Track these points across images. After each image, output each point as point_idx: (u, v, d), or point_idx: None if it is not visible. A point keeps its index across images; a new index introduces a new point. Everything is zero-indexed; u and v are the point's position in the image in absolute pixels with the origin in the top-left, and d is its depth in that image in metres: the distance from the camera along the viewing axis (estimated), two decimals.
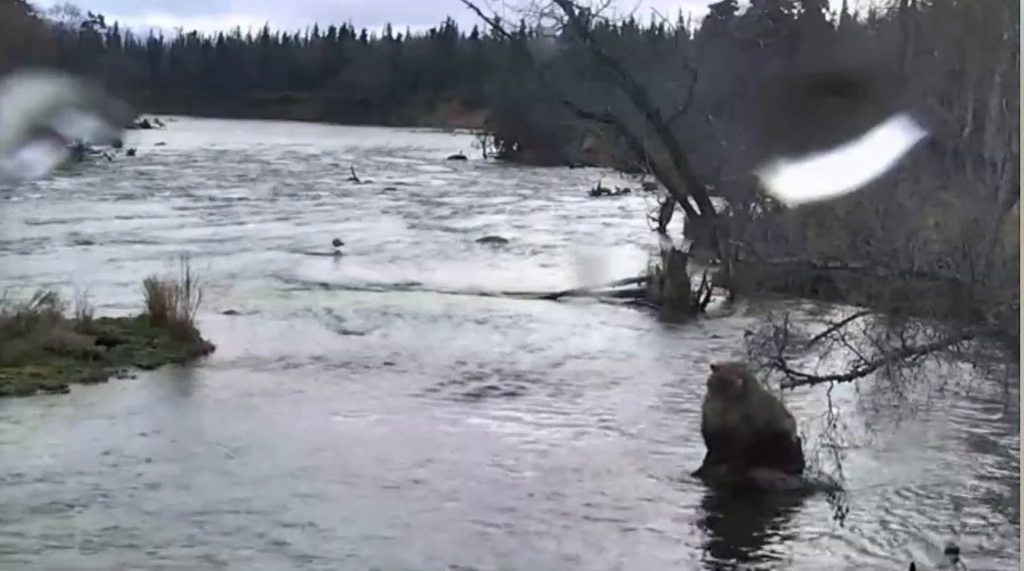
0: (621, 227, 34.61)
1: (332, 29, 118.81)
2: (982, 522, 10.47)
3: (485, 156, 66.50)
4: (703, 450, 11.56)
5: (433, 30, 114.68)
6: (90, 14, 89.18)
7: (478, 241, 30.25)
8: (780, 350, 11.41)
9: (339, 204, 39.16)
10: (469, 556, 9.35)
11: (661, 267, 21.89)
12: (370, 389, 14.60)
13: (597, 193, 46.15)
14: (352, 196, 42.20)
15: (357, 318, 18.91)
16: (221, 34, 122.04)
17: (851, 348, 11.39)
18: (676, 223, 32.40)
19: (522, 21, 36.39)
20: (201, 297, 16.35)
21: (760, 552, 9.76)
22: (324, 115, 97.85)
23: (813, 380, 11.23)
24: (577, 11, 31.88)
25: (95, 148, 49.90)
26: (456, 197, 43.40)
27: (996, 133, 29.17)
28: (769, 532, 10.19)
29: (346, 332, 18.02)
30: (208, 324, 16.56)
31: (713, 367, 11.89)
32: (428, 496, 10.63)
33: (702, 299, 21.11)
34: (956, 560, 9.47)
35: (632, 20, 67.31)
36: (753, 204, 23.59)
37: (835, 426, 10.91)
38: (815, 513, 10.53)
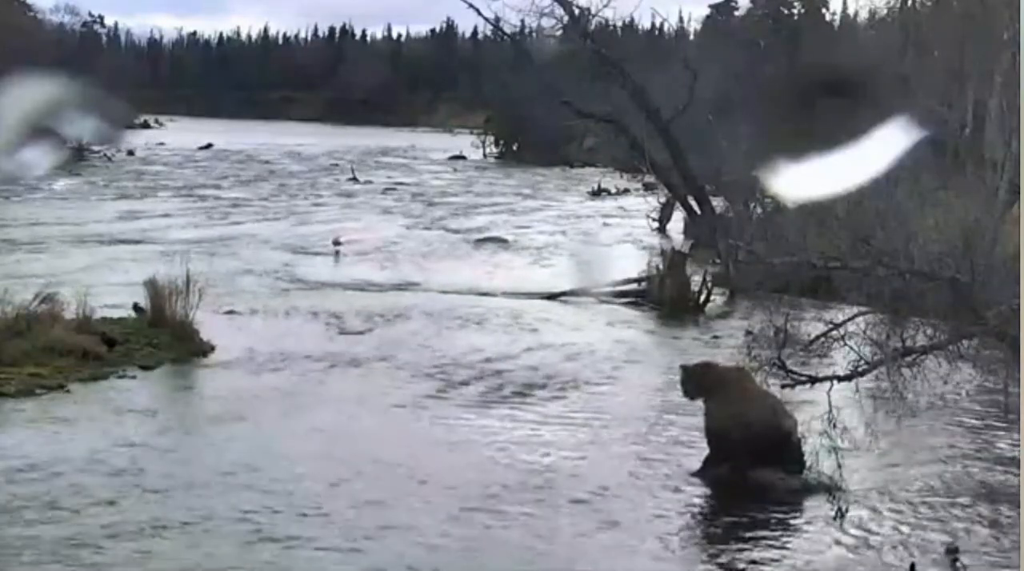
0: (621, 227, 34.59)
1: (332, 29, 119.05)
2: (982, 522, 10.46)
3: (485, 156, 66.52)
4: (703, 450, 11.56)
5: (433, 30, 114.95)
6: (90, 14, 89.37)
7: (478, 241, 30.23)
8: (780, 350, 11.41)
9: (339, 204, 39.17)
10: (467, 555, 9.35)
11: (661, 267, 21.89)
12: (370, 389, 14.60)
13: (597, 193, 46.16)
14: (352, 196, 42.21)
15: (357, 318, 18.91)
16: (221, 34, 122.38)
17: (851, 348, 11.40)
18: (676, 223, 32.41)
19: (522, 21, 36.51)
20: (201, 297, 16.36)
21: (760, 552, 9.75)
22: (324, 115, 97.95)
23: (813, 380, 11.23)
24: (577, 11, 31.92)
25: (95, 148, 50.01)
26: (456, 197, 43.40)
27: (996, 133, 29.19)
28: (769, 532, 10.18)
29: (346, 332, 18.02)
30: (208, 324, 16.57)
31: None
32: (427, 497, 10.62)
33: (702, 299, 21.11)
34: (956, 560, 9.47)
35: (632, 20, 67.33)
36: (753, 204, 23.60)
37: (835, 426, 10.91)
38: (815, 513, 10.53)
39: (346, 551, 9.32)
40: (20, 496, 10.13)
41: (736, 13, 65.76)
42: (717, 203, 28.91)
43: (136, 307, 16.50)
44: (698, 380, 11.78)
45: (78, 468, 10.90)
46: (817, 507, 10.62)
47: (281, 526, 9.72)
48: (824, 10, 61.90)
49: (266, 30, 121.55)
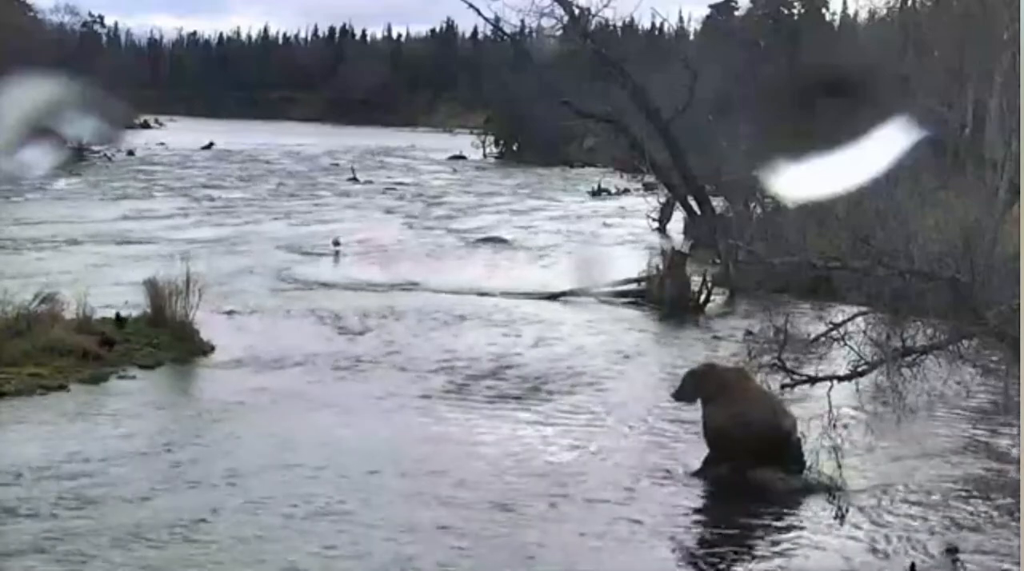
0: (621, 227, 34.60)
1: (332, 29, 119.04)
2: (982, 522, 10.46)
3: (485, 156, 66.53)
4: (703, 450, 11.56)
5: (433, 30, 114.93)
6: (90, 14, 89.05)
7: (478, 241, 30.24)
8: (780, 350, 11.42)
9: (339, 204, 39.18)
10: (468, 554, 9.35)
11: (661, 267, 21.89)
12: (370, 389, 14.60)
13: (597, 193, 46.17)
14: (352, 196, 42.22)
15: (357, 318, 18.90)
16: (221, 34, 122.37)
17: (851, 348, 11.41)
18: (676, 223, 32.41)
19: (522, 21, 36.53)
20: (201, 297, 16.35)
21: (760, 552, 9.76)
22: (324, 115, 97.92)
23: (813, 380, 11.25)
24: (577, 11, 31.90)
25: (95, 148, 50.01)
26: (456, 197, 43.41)
27: (996, 133, 29.19)
28: (769, 532, 10.19)
29: (346, 332, 18.01)
30: (208, 324, 16.56)
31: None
32: (428, 496, 10.63)
33: (702, 299, 21.11)
34: (956, 560, 9.47)
35: (632, 20, 67.14)
36: (753, 204, 23.62)
37: (835, 426, 10.92)
38: (815, 513, 10.54)
39: (375, 548, 9.37)
40: (55, 492, 10.21)
41: (736, 13, 65.72)
42: (717, 203, 28.91)
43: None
44: (700, 383, 11.76)
45: (75, 468, 10.91)
46: (817, 507, 10.62)
47: (304, 524, 9.77)
48: (824, 10, 61.90)
49: (266, 30, 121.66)
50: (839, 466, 10.94)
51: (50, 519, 9.62)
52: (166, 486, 10.57)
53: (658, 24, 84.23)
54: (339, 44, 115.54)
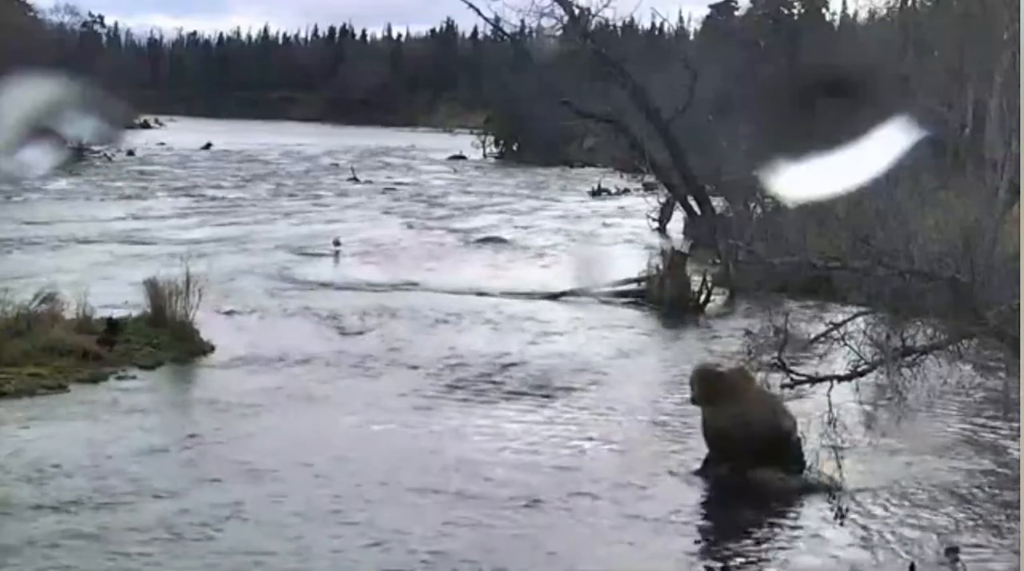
0: (621, 227, 34.61)
1: (332, 29, 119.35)
2: (982, 522, 10.46)
3: (485, 156, 66.59)
4: (703, 450, 11.56)
5: (433, 30, 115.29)
6: (90, 14, 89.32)
7: (478, 241, 30.25)
8: (780, 350, 11.42)
9: (339, 204, 39.19)
10: (469, 552, 9.35)
11: (661, 267, 21.89)
12: (372, 388, 14.61)
13: (597, 193, 46.20)
14: (352, 196, 42.24)
15: (357, 318, 18.91)
16: (221, 34, 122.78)
17: (851, 348, 11.40)
18: (676, 223, 32.43)
19: (522, 21, 36.60)
20: (201, 297, 16.35)
21: (760, 552, 9.76)
22: (324, 115, 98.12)
23: (813, 380, 11.24)
24: (577, 11, 31.92)
25: (95, 148, 50.04)
26: (456, 197, 43.43)
27: (996, 133, 29.20)
28: (769, 532, 10.19)
29: (346, 332, 18.02)
30: (208, 324, 16.56)
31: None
32: (430, 496, 10.63)
33: (702, 299, 21.11)
34: (956, 560, 9.47)
35: (632, 20, 67.26)
36: (753, 204, 23.61)
37: (835, 426, 10.92)
38: (815, 513, 10.53)
39: (394, 543, 9.42)
40: (73, 489, 10.27)
41: (736, 13, 65.85)
42: (717, 203, 28.92)
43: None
44: (700, 384, 11.73)
45: (74, 468, 10.91)
46: (817, 507, 10.62)
47: (331, 519, 9.85)
48: (824, 10, 62.02)
49: (266, 30, 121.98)
50: (839, 466, 10.94)
51: (75, 515, 9.66)
52: (184, 483, 10.61)
53: (658, 24, 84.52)
54: (339, 44, 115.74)
